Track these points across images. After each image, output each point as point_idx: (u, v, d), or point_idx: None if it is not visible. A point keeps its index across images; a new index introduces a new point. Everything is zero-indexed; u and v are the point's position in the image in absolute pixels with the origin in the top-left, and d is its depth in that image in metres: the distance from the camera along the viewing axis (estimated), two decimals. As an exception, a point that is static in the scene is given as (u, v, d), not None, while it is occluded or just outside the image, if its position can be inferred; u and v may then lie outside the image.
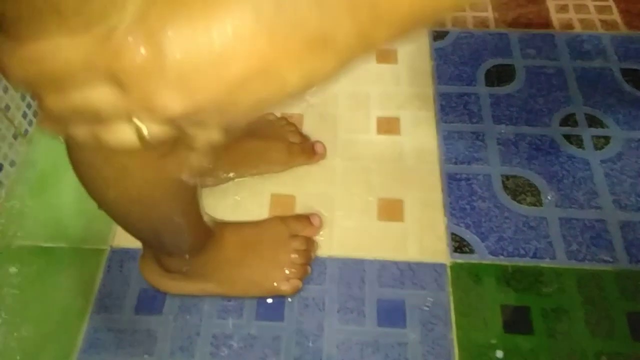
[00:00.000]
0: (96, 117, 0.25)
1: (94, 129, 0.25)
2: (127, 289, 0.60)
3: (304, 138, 0.70)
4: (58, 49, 0.23)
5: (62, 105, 0.25)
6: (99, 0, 0.23)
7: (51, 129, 0.27)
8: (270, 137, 0.68)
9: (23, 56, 0.24)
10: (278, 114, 0.72)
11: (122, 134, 0.25)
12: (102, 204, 0.42)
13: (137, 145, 0.25)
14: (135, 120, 0.25)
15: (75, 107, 0.25)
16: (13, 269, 0.62)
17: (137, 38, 0.21)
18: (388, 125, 0.74)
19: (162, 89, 0.22)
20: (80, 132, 0.26)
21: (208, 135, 0.26)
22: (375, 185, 0.68)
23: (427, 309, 0.58)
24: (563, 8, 0.87)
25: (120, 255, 0.63)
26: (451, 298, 0.59)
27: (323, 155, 0.69)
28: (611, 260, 0.60)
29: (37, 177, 0.69)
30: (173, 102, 0.22)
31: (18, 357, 0.56)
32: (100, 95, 0.24)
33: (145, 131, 0.25)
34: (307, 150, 0.68)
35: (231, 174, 0.67)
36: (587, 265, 0.60)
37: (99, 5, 0.23)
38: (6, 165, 0.68)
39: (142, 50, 0.21)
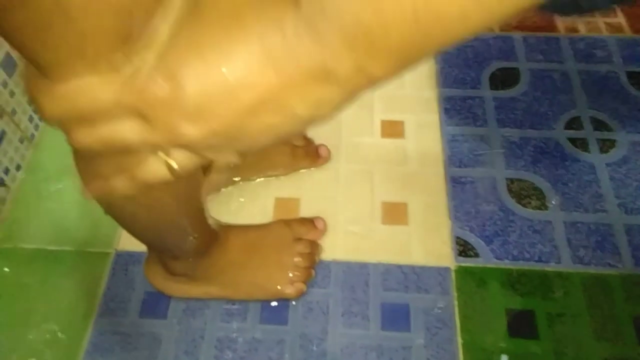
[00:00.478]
0: (125, 150, 0.28)
1: (129, 172, 0.29)
2: (132, 292, 0.60)
3: (308, 141, 0.70)
4: (88, 88, 0.26)
5: (92, 139, 0.28)
6: (120, 46, 0.25)
7: (96, 189, 0.30)
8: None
9: (56, 94, 0.27)
10: None
11: (155, 169, 0.28)
12: (108, 210, 0.42)
13: (169, 177, 0.28)
14: (163, 155, 0.29)
15: (105, 141, 0.28)
16: (19, 272, 0.62)
17: (159, 77, 0.24)
18: (392, 129, 0.74)
19: (182, 119, 0.25)
20: (120, 184, 0.29)
21: (226, 158, 0.28)
22: (380, 188, 0.68)
23: (431, 312, 0.58)
24: (568, 11, 0.87)
25: (125, 259, 0.63)
26: (456, 302, 0.58)
27: (327, 159, 0.69)
28: (617, 264, 0.60)
29: (43, 181, 0.69)
30: (192, 129, 0.25)
31: (23, 360, 0.56)
32: (128, 129, 0.27)
33: (174, 165, 0.29)
34: (311, 153, 0.68)
35: (236, 178, 0.67)
36: (592, 269, 0.60)
37: (122, 52, 0.26)
38: (12, 169, 0.68)
39: (164, 87, 0.24)
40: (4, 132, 0.66)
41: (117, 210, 0.43)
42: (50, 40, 0.25)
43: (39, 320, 0.59)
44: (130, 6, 0.24)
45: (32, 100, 0.29)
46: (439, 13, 0.21)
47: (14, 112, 0.68)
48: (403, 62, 0.23)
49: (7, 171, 0.67)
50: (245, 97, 0.24)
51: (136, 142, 0.27)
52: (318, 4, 0.22)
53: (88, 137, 0.28)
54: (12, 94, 0.67)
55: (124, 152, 0.29)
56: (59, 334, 0.58)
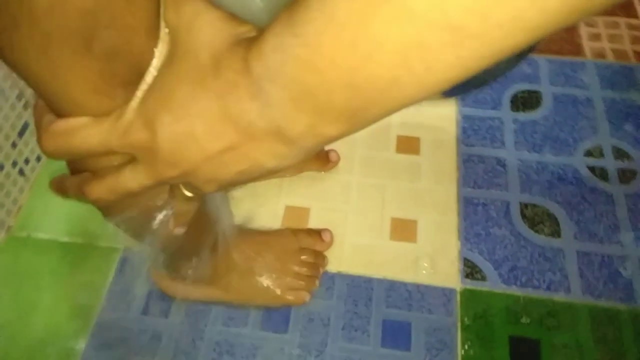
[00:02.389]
0: (123, 191, 0.32)
1: (107, 182, 0.32)
2: (137, 289, 0.61)
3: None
4: (80, 130, 0.29)
5: (91, 164, 0.33)
6: (84, 50, 0.27)
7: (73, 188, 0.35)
8: None
9: (52, 131, 0.30)
10: None
11: (130, 181, 0.31)
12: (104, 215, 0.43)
13: (140, 190, 0.31)
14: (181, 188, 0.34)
15: (109, 184, 0.32)
16: (29, 261, 0.64)
17: (138, 123, 0.28)
18: (408, 145, 0.73)
19: (159, 159, 0.28)
20: (97, 189, 0.32)
21: (208, 189, 0.31)
22: (390, 204, 0.67)
23: (433, 333, 0.57)
24: (596, 36, 0.86)
25: (133, 255, 0.64)
26: (459, 324, 0.58)
27: (336, 164, 0.69)
28: (629, 299, 0.58)
29: (62, 172, 0.71)
30: (170, 171, 0.29)
31: (25, 346, 0.57)
32: (115, 162, 0.31)
33: (187, 193, 0.33)
34: (321, 157, 0.68)
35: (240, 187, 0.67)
36: (602, 302, 0.58)
37: (112, 94, 0.29)
38: (32, 160, 0.70)
39: (144, 133, 0.28)
40: (27, 124, 0.68)
41: (106, 213, 0.44)
42: (17, 41, 0.26)
43: (44, 309, 0.60)
44: (94, 9, 0.25)
45: (36, 132, 0.33)
46: (372, 77, 0.22)
47: (38, 104, 0.69)
48: (353, 123, 0.25)
49: (27, 161, 0.69)
50: (210, 147, 0.27)
51: (131, 185, 0.30)
52: (266, 70, 0.24)
53: (84, 166, 0.33)
54: (37, 86, 0.69)
55: (104, 157, 0.31)
56: (63, 325, 0.59)
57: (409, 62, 0.21)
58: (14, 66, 0.28)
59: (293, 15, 0.22)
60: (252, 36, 0.26)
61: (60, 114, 0.30)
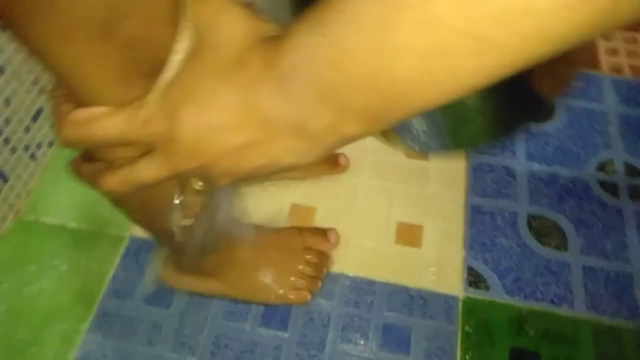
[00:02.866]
0: (140, 184, 0.31)
1: (122, 172, 0.32)
2: (140, 278, 0.61)
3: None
4: (102, 118, 0.29)
5: (109, 155, 0.33)
6: (103, 38, 0.28)
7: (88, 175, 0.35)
8: None
9: (73, 120, 0.30)
10: None
11: (146, 173, 0.30)
12: (113, 203, 0.44)
13: (155, 182, 0.31)
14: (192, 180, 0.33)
15: (120, 156, 0.32)
16: (36, 244, 0.64)
17: (159, 114, 0.28)
18: (418, 150, 0.73)
19: (177, 151, 0.28)
20: (110, 180, 0.32)
21: (223, 182, 0.31)
22: (397, 208, 0.67)
23: (433, 340, 0.57)
24: (614, 52, 0.85)
25: (139, 245, 0.64)
26: (459, 333, 0.57)
27: (346, 167, 0.69)
28: (633, 317, 0.58)
29: (80, 155, 0.72)
30: (185, 161, 0.28)
31: (27, 330, 0.58)
32: (130, 153, 0.31)
33: (198, 186, 0.33)
34: (330, 160, 0.68)
35: (248, 185, 0.67)
36: (606, 319, 0.58)
37: (132, 85, 0.29)
38: (44, 145, 0.70)
39: (164, 125, 0.28)
40: (41, 109, 0.68)
41: (116, 202, 0.44)
42: (40, 27, 0.27)
43: (47, 292, 0.60)
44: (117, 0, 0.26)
45: (55, 122, 0.33)
46: (394, 80, 0.22)
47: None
48: (373, 123, 0.25)
49: (39, 146, 0.69)
50: (231, 141, 0.27)
51: (147, 177, 0.30)
52: (292, 67, 0.24)
53: (102, 155, 0.33)
54: (54, 72, 0.69)
55: (116, 150, 0.31)
56: (66, 309, 0.59)
57: (432, 68, 0.21)
58: (34, 52, 0.29)
59: (320, 16, 0.23)
60: (275, 34, 0.27)
61: (79, 103, 0.31)
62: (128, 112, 0.29)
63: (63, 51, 0.28)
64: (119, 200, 0.43)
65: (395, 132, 0.44)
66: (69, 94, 0.31)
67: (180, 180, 0.36)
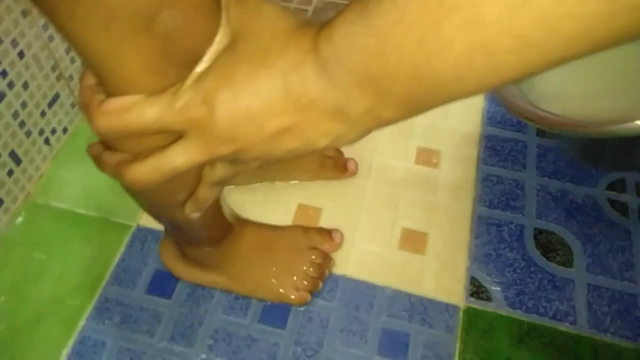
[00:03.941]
0: (172, 170, 0.31)
1: (152, 161, 0.32)
2: (144, 267, 0.62)
3: (339, 152, 0.70)
4: (137, 107, 0.29)
5: (133, 147, 0.33)
6: (143, 29, 0.28)
7: (112, 167, 0.34)
8: None
9: (108, 110, 0.30)
10: None
11: (176, 160, 0.31)
12: (126, 189, 0.44)
13: (186, 169, 0.31)
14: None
15: (145, 148, 0.32)
16: (43, 228, 0.65)
17: (196, 99, 0.28)
18: (428, 157, 0.73)
19: (214, 136, 0.28)
20: (139, 169, 0.32)
21: (252, 166, 0.32)
22: (403, 214, 0.67)
23: (431, 348, 0.56)
24: (632, 71, 0.84)
25: (145, 234, 0.65)
26: (458, 342, 0.57)
27: (354, 173, 0.69)
28: (636, 338, 0.57)
29: (85, 148, 0.72)
30: (223, 148, 0.29)
31: (30, 311, 0.59)
32: (161, 139, 0.31)
33: (219, 173, 0.34)
34: (339, 165, 0.68)
35: (256, 182, 0.68)
36: (607, 338, 0.57)
37: (168, 83, 0.29)
38: (59, 131, 0.71)
39: (201, 110, 0.28)
40: (58, 95, 0.69)
41: (133, 191, 0.44)
42: (79, 13, 0.27)
43: (52, 276, 0.61)
44: None
45: (84, 112, 0.33)
46: (435, 73, 0.23)
47: (71, 78, 0.71)
48: (409, 110, 0.26)
49: (54, 131, 0.70)
50: (268, 125, 0.28)
51: (181, 162, 0.30)
52: (334, 53, 0.25)
53: (134, 145, 0.33)
54: (72, 60, 0.70)
55: (147, 137, 0.31)
56: (68, 294, 0.60)
57: (473, 63, 0.22)
58: (70, 37, 0.29)
59: (365, 6, 0.23)
60: (313, 25, 0.27)
61: (110, 91, 0.31)
62: (165, 99, 0.29)
63: (102, 40, 0.28)
64: (139, 190, 0.43)
65: None
66: (99, 84, 0.31)
67: (201, 170, 0.36)
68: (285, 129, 0.28)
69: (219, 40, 0.29)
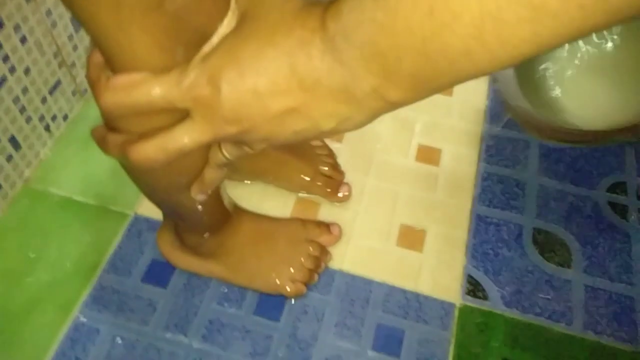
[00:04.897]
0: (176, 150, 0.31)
1: (156, 140, 0.31)
2: (140, 256, 0.62)
3: (335, 173, 0.67)
4: (142, 83, 0.29)
5: (134, 126, 0.33)
6: (151, 11, 0.28)
7: (116, 148, 0.34)
8: (302, 157, 0.66)
9: (115, 86, 0.30)
10: (319, 141, 0.70)
11: (180, 140, 0.31)
12: (128, 170, 0.44)
13: (189, 149, 0.31)
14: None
15: (149, 128, 0.31)
16: (41, 214, 0.65)
17: (202, 78, 0.28)
18: (428, 155, 0.73)
19: (219, 116, 0.28)
20: (144, 149, 0.32)
21: (258, 148, 0.32)
22: (402, 210, 0.67)
23: (425, 344, 0.56)
24: None
25: (142, 224, 0.64)
26: (453, 340, 0.57)
27: (344, 200, 0.66)
28: (631, 340, 0.57)
29: (86, 135, 0.72)
30: (229, 127, 0.29)
31: (25, 297, 0.59)
32: (166, 119, 0.31)
33: (227, 154, 0.34)
34: (331, 186, 0.66)
35: (249, 180, 0.67)
36: (603, 340, 0.57)
37: (176, 62, 0.29)
38: (59, 118, 0.71)
39: (207, 89, 0.28)
40: (59, 82, 0.69)
41: (136, 173, 0.44)
42: None
43: (48, 262, 0.61)
44: None
45: (91, 88, 0.33)
46: (444, 46, 0.22)
47: (73, 65, 0.71)
48: (417, 91, 0.25)
49: (54, 118, 0.70)
50: (274, 105, 0.27)
51: (187, 141, 0.30)
52: (342, 29, 0.24)
53: (138, 125, 0.33)
54: (75, 47, 0.70)
55: (151, 117, 0.31)
56: (64, 280, 0.60)
57: (484, 35, 0.21)
58: (80, 14, 0.29)
59: None
60: (319, 4, 0.27)
61: (117, 69, 0.31)
62: (172, 77, 0.29)
63: (111, 17, 0.28)
64: (139, 172, 0.43)
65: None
66: (107, 62, 0.31)
67: (208, 152, 0.36)
68: (290, 109, 0.27)
69: (228, 22, 0.29)
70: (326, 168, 0.67)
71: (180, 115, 0.30)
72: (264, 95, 0.27)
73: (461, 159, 0.72)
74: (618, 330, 0.57)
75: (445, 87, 0.25)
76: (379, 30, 0.23)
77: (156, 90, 0.29)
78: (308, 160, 0.66)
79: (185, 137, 0.30)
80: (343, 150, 0.72)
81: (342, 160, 0.71)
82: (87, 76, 0.33)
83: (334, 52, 0.25)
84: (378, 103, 0.26)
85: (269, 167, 0.65)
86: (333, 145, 0.72)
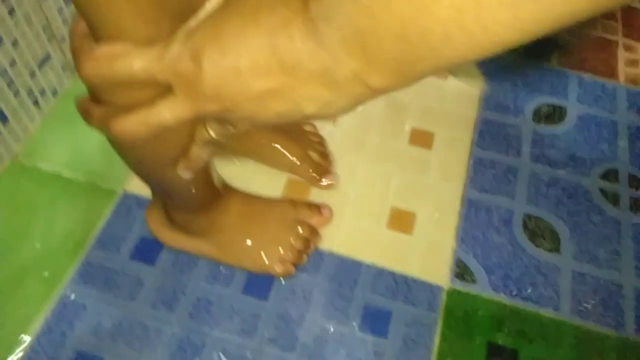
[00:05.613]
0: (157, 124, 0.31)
1: (139, 114, 0.31)
2: (129, 233, 0.61)
3: (323, 159, 0.67)
4: (125, 55, 0.29)
5: (118, 98, 0.33)
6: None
7: (101, 118, 0.33)
8: (293, 139, 0.66)
9: (95, 55, 0.30)
10: (312, 127, 0.69)
11: (163, 114, 0.30)
12: (115, 145, 0.43)
13: (172, 123, 0.30)
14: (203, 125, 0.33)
15: (132, 101, 0.31)
16: (29, 189, 0.64)
17: (185, 53, 0.28)
18: (421, 138, 0.72)
19: (200, 93, 0.28)
20: (127, 122, 0.31)
21: (242, 127, 0.32)
22: (393, 193, 0.67)
23: (412, 326, 0.56)
24: (633, 63, 0.83)
25: (131, 201, 0.64)
26: (440, 322, 0.57)
27: (330, 187, 0.66)
28: (617, 326, 0.57)
29: (75, 111, 0.71)
30: (208, 102, 0.28)
31: (11, 272, 0.58)
32: (150, 92, 0.30)
33: (212, 133, 0.33)
34: (317, 172, 0.65)
35: (238, 159, 0.66)
36: (590, 325, 0.57)
37: (160, 35, 0.29)
38: (48, 93, 0.70)
39: (189, 66, 0.27)
40: (49, 56, 0.68)
41: (123, 148, 0.43)
42: None
43: (35, 238, 0.61)
44: None
45: (73, 56, 0.32)
46: (424, 30, 0.22)
47: (63, 39, 0.70)
48: (399, 77, 0.25)
49: (43, 93, 0.69)
50: (254, 85, 0.27)
51: (168, 116, 0.30)
52: (324, 10, 0.24)
53: (120, 97, 0.33)
54: (65, 21, 0.69)
55: (135, 90, 0.31)
56: (51, 256, 0.59)
57: (464, 20, 0.21)
58: None
59: None
60: None
61: (100, 40, 0.30)
62: (155, 50, 0.28)
63: None
64: (126, 146, 0.43)
65: None
66: (91, 32, 0.31)
67: (194, 129, 0.36)
68: (271, 90, 0.27)
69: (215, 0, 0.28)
70: (315, 154, 0.66)
71: (164, 90, 0.30)
72: (245, 75, 0.27)
73: (454, 144, 0.72)
74: (605, 316, 0.58)
75: (427, 73, 0.24)
76: (359, 11, 0.23)
77: (138, 62, 0.29)
78: (299, 143, 0.66)
79: (166, 112, 0.29)
80: (336, 131, 0.72)
81: (335, 142, 0.70)
82: (71, 45, 0.32)
83: (315, 33, 0.25)
84: (360, 89, 0.26)
85: (260, 145, 0.64)
86: (326, 127, 0.71)
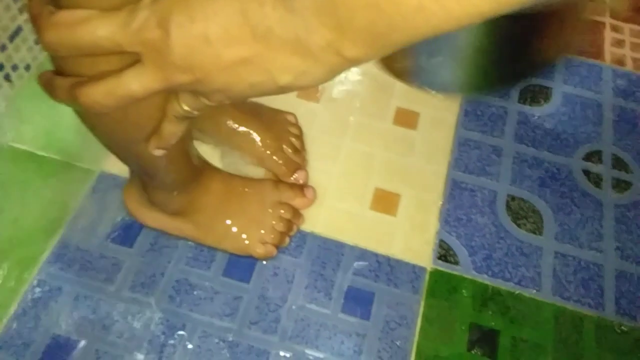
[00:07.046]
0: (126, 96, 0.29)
1: (106, 84, 0.30)
2: (105, 214, 0.60)
3: (297, 156, 0.64)
4: (88, 21, 0.27)
5: (84, 69, 0.31)
6: None
7: (65, 89, 0.32)
8: (269, 129, 0.62)
9: (56, 21, 0.28)
10: (292, 118, 0.67)
11: (131, 86, 0.29)
12: (82, 117, 0.41)
13: (140, 95, 0.29)
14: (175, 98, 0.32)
15: (99, 72, 0.30)
16: (2, 169, 0.62)
17: (152, 20, 0.26)
18: (406, 118, 0.71)
19: (169, 63, 0.27)
20: (94, 92, 0.30)
21: (215, 100, 0.30)
22: (377, 174, 0.66)
23: (395, 307, 0.56)
24: (619, 43, 0.83)
25: (108, 181, 0.62)
26: (422, 303, 0.57)
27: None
28: (597, 307, 0.58)
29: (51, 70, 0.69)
30: (177, 73, 0.27)
31: (-17, 252, 0.57)
32: (117, 62, 0.29)
33: (185, 106, 0.32)
34: (288, 166, 0.62)
35: (211, 143, 0.64)
36: (570, 305, 0.57)
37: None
38: (21, 68, 0.67)
39: (156, 33, 0.26)
40: (20, 28, 0.65)
41: (92, 122, 0.42)
42: None
43: (9, 219, 0.59)
44: None
45: (33, 23, 0.30)
46: (397, 1, 0.21)
47: (35, 11, 0.67)
48: (373, 47, 0.24)
49: (15, 68, 0.66)
50: (226, 54, 0.26)
51: (136, 87, 0.28)
52: None
53: (83, 67, 0.31)
54: (36, -8, 0.66)
55: (101, 59, 0.29)
56: (25, 237, 0.58)
57: None
58: None
59: None
60: None
61: (63, 5, 0.28)
62: (121, 17, 0.27)
63: None
64: (94, 121, 0.41)
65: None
66: None
67: (166, 103, 0.34)
68: (244, 59, 0.26)
69: None
70: (290, 150, 0.63)
71: (132, 59, 0.28)
72: (215, 43, 0.25)
73: (439, 124, 0.71)
74: (585, 297, 0.58)
75: (402, 44, 0.24)
76: None
77: (102, 30, 0.27)
78: (275, 133, 0.63)
79: (134, 82, 0.28)
80: (320, 110, 0.70)
81: (318, 121, 0.69)
82: (29, 10, 0.30)
83: (287, 2, 0.24)
84: (335, 58, 0.25)
85: (232, 130, 0.62)
86: (310, 104, 0.70)
